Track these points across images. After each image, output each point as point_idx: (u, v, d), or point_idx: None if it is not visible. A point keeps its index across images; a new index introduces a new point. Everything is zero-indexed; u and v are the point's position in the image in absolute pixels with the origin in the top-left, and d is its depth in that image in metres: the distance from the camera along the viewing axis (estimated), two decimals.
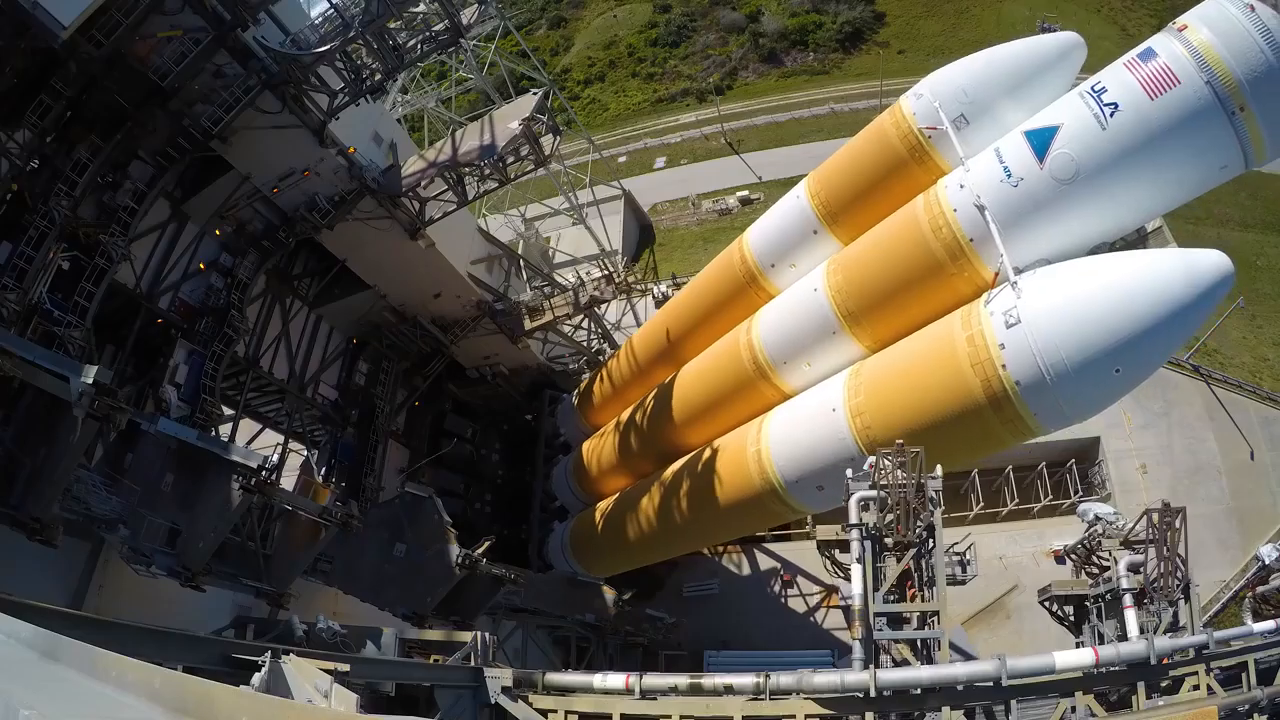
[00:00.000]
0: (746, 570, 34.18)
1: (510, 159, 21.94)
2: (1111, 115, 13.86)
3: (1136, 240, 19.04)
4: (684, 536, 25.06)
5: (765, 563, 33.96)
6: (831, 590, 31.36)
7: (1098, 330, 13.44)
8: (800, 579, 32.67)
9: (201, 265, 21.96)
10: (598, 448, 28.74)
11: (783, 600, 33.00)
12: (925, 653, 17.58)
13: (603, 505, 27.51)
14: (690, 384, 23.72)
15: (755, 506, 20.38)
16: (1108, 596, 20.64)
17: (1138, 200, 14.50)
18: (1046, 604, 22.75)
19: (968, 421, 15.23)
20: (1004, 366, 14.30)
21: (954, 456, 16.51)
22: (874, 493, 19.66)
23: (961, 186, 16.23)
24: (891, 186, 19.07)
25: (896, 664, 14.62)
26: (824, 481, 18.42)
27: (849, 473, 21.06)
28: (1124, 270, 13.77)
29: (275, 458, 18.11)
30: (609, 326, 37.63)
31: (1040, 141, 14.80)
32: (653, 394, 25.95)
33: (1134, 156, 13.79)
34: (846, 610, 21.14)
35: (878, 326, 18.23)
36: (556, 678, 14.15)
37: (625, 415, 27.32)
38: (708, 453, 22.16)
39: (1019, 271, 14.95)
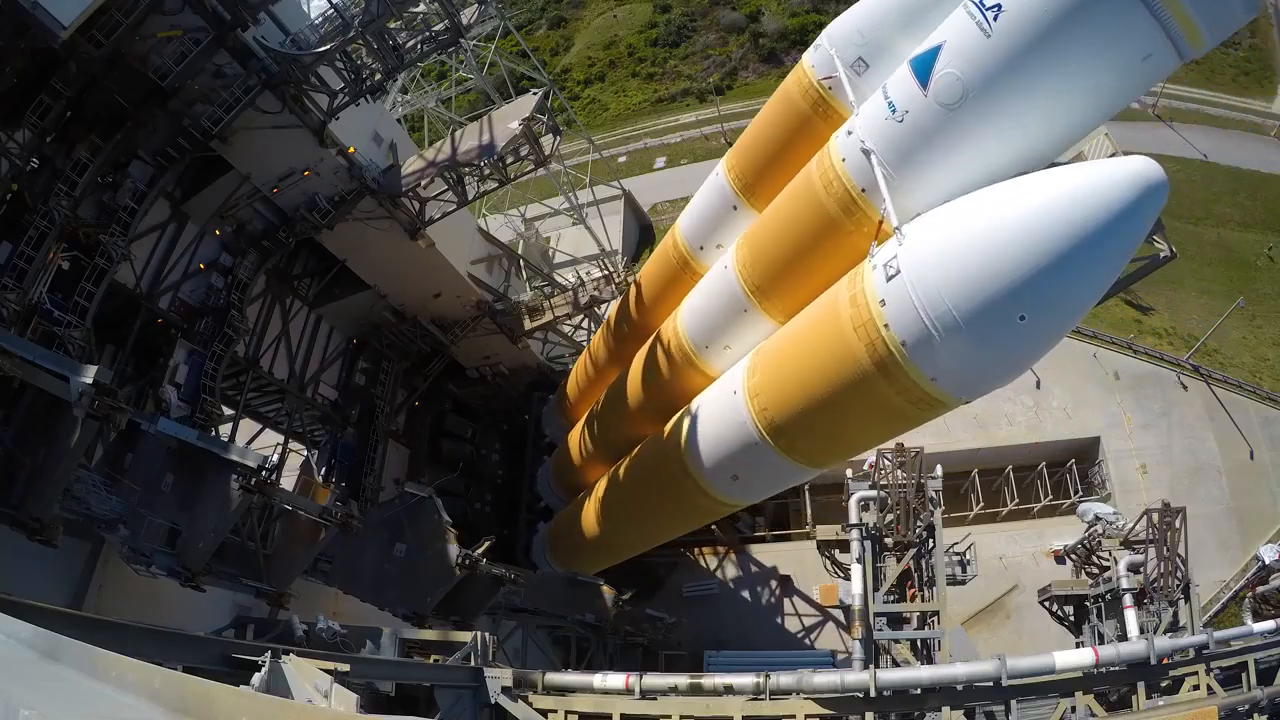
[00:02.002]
0: (746, 571, 34.20)
1: (510, 159, 21.95)
2: (995, 19, 11.54)
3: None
4: (635, 533, 24.64)
5: (765, 563, 33.99)
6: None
7: (986, 270, 11.26)
8: (799, 582, 32.68)
9: (201, 265, 21.96)
10: (568, 446, 28.53)
11: (782, 601, 33.02)
12: (925, 653, 17.56)
13: (573, 504, 27.38)
14: (635, 376, 23.09)
15: (685, 499, 19.53)
16: (1108, 596, 20.69)
17: (1048, 115, 12.09)
18: (1046, 604, 22.81)
19: (860, 394, 13.43)
20: (886, 326, 12.35)
21: (860, 437, 15.39)
22: (874, 493, 19.74)
23: (849, 133, 14.49)
24: (800, 148, 17.38)
25: (897, 664, 14.52)
26: (737, 470, 17.37)
27: (848, 473, 20.95)
28: (1016, 196, 11.47)
29: (275, 458, 18.08)
30: None
31: (923, 67, 12.63)
32: (608, 389, 25.71)
33: (1027, 61, 11.44)
34: (846, 611, 21.07)
35: (786, 299, 16.74)
36: (556, 678, 14.14)
37: (588, 412, 27.17)
38: (642, 445, 21.80)
39: (911, 218, 12.96)
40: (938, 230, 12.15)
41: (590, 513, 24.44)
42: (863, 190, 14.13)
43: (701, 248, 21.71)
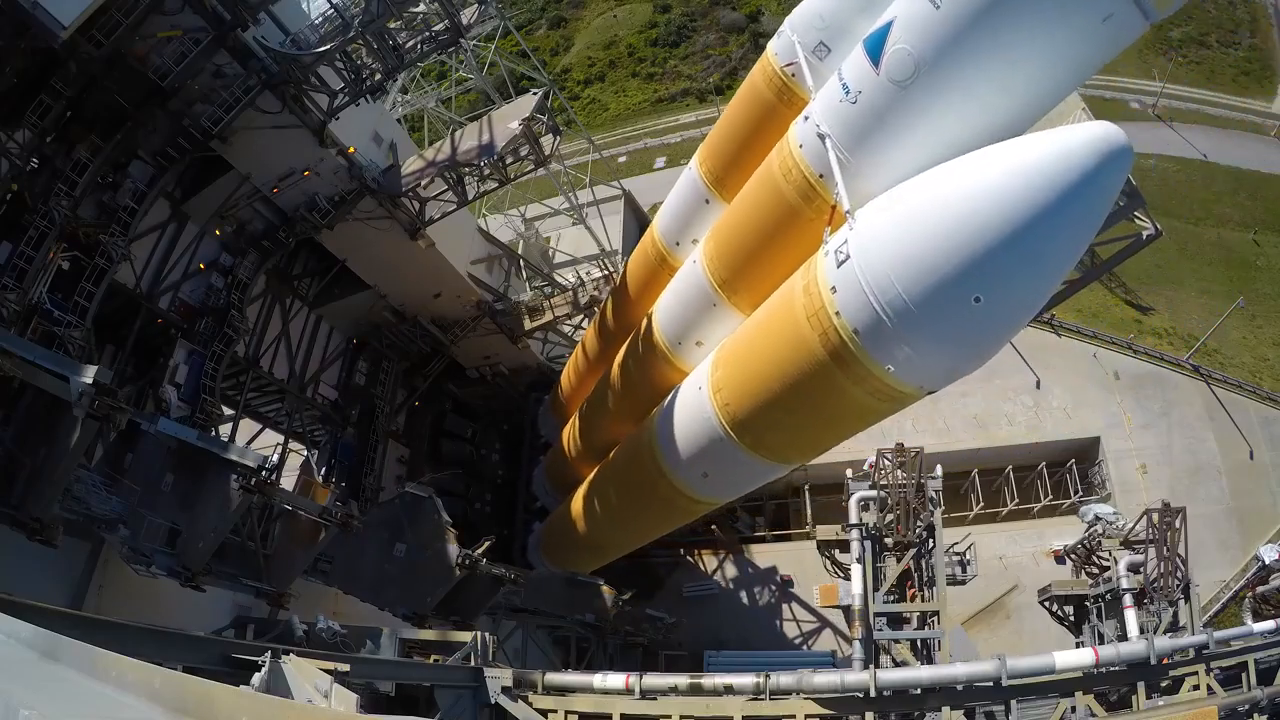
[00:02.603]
0: (746, 571, 34.20)
1: (510, 159, 21.98)
2: None
3: None
4: (619, 533, 24.50)
5: (765, 563, 33.99)
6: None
7: (934, 249, 10.46)
8: (799, 582, 32.66)
9: (201, 265, 21.98)
10: (561, 445, 28.45)
11: (782, 602, 33.01)
12: (925, 653, 17.52)
13: (563, 503, 27.31)
14: (615, 374, 22.97)
15: (660, 498, 19.21)
16: (1108, 596, 20.67)
17: (1005, 87, 11.36)
18: (1046, 604, 22.79)
19: (818, 386, 12.86)
20: (838, 313, 11.77)
21: (825, 432, 15.06)
22: (874, 493, 19.73)
23: (806, 119, 14.05)
24: (766, 138, 16.96)
25: (896, 664, 14.47)
26: (706, 467, 17.09)
27: (848, 473, 20.87)
28: (966, 170, 10.72)
29: (275, 458, 18.11)
30: None
31: (874, 45, 12.09)
32: (593, 389, 25.68)
33: (978, 29, 10.70)
34: (846, 611, 20.97)
35: (752, 292, 16.24)
36: (556, 678, 14.14)
37: (577, 411, 27.13)
38: (621, 443, 21.72)
39: (864, 203, 12.30)
40: (885, 211, 11.59)
41: (578, 512, 24.43)
42: (820, 176, 13.66)
43: (678, 243, 21.52)
